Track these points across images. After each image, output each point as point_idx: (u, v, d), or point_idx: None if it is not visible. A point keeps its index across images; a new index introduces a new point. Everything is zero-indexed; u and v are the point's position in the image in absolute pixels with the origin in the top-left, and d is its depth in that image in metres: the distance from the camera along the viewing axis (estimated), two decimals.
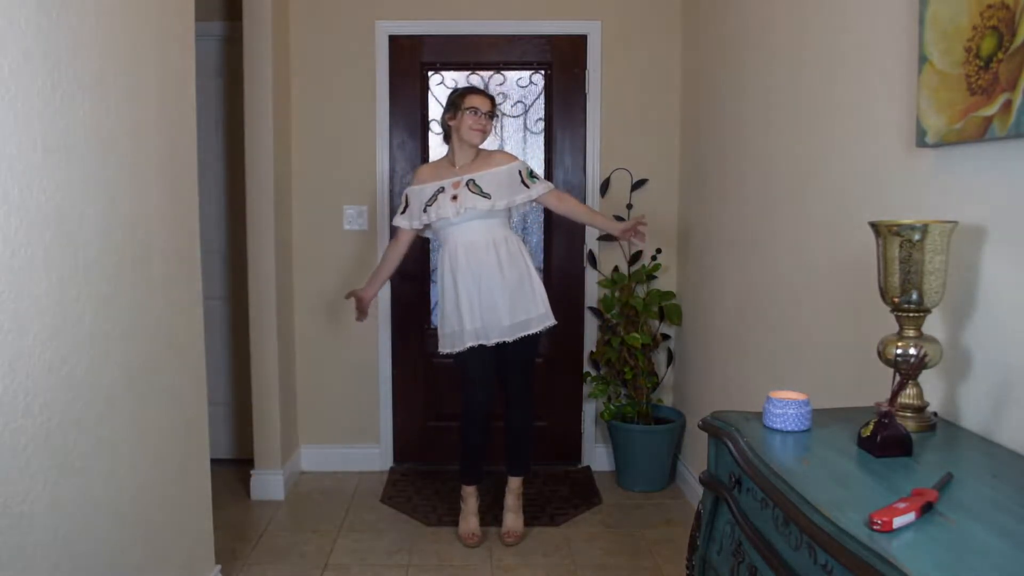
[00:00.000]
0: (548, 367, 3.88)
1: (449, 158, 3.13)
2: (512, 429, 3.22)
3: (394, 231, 3.23)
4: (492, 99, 3.10)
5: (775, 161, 2.62)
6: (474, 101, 3.04)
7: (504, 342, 3.02)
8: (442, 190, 3.03)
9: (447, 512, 3.40)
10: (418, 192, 3.10)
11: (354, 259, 3.81)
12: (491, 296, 2.99)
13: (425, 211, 3.04)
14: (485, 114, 3.03)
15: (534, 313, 3.04)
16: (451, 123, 3.06)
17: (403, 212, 3.14)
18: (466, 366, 3.09)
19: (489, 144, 3.29)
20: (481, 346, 3.01)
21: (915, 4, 1.71)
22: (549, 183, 3.12)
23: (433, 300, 3.87)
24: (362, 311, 3.24)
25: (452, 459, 3.66)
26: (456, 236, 3.02)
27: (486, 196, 2.99)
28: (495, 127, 3.40)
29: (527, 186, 3.06)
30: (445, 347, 3.09)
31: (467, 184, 3.01)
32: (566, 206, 3.14)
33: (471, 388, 3.12)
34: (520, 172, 3.07)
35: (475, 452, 3.21)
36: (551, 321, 3.07)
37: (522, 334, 3.03)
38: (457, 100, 3.05)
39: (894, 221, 1.51)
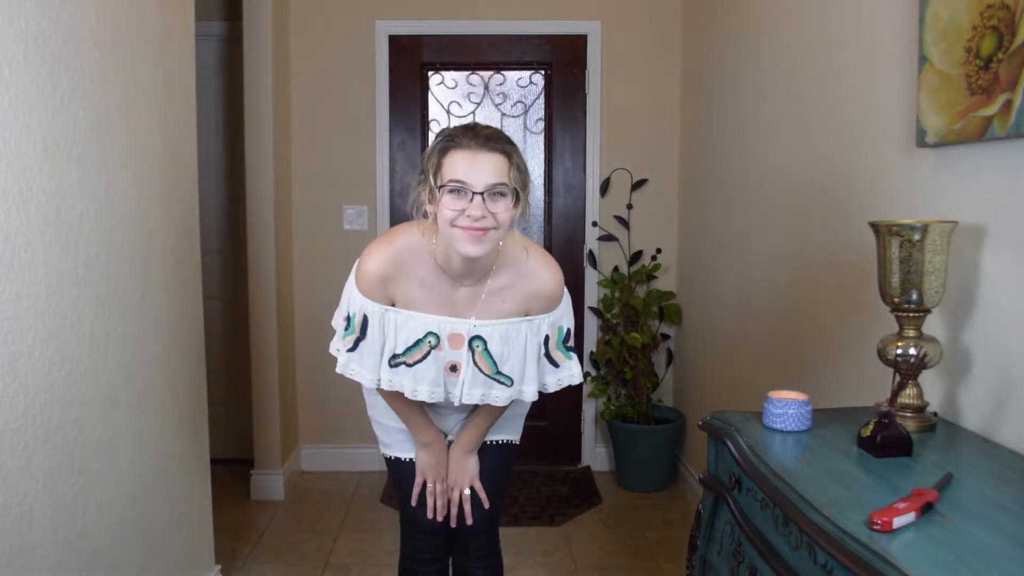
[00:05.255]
0: None
1: (440, 257, 1.63)
2: None
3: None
4: (509, 153, 1.54)
5: (775, 161, 2.62)
6: (457, 167, 1.51)
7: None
8: (435, 342, 1.66)
9: None
10: (389, 320, 1.66)
11: (354, 259, 3.80)
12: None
13: (394, 364, 1.67)
14: (483, 195, 1.50)
15: (516, 410, 1.91)
16: (429, 206, 1.59)
17: (354, 347, 1.69)
18: (405, 479, 1.90)
19: None
20: None
21: (915, 4, 1.71)
22: (577, 369, 1.76)
23: None
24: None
25: None
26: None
27: (505, 382, 1.68)
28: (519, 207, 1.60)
29: (555, 363, 1.73)
30: (382, 444, 1.95)
31: (472, 346, 1.66)
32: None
33: (415, 509, 1.89)
34: (548, 338, 1.71)
35: None
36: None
37: (497, 438, 1.91)
38: (434, 159, 1.56)
39: (894, 221, 1.51)
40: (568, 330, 1.74)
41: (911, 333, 1.49)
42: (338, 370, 1.72)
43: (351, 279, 1.73)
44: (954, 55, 1.55)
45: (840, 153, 2.15)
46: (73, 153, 1.75)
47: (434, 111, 3.84)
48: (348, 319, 1.71)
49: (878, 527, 1.03)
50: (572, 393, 3.94)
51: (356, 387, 3.99)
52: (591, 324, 3.90)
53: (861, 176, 2.02)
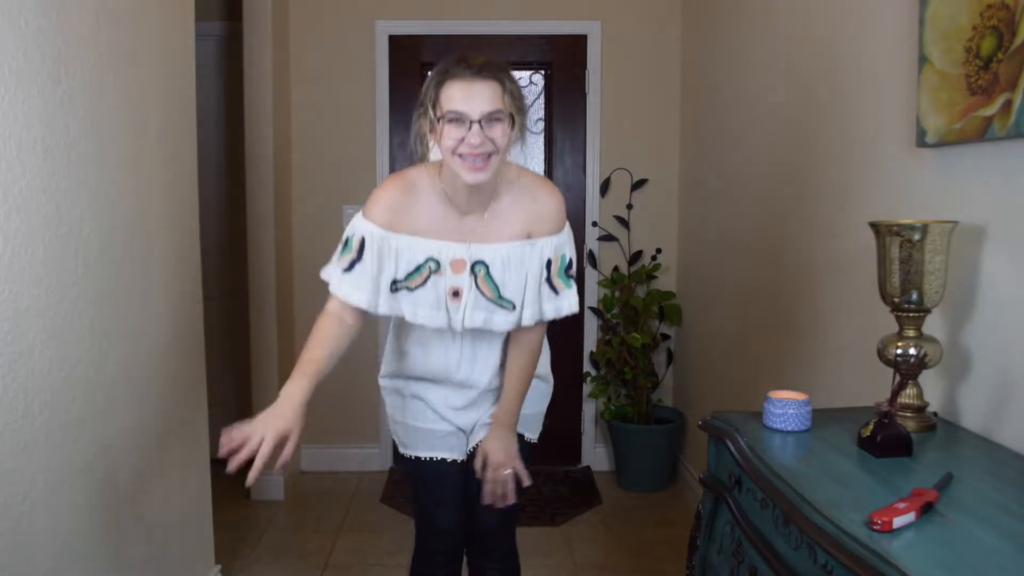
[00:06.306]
0: None
1: (443, 185, 1.68)
2: None
3: (335, 302, 1.69)
4: (502, 80, 1.57)
5: (775, 160, 2.62)
6: (454, 98, 1.54)
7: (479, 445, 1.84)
8: (435, 267, 1.67)
9: None
10: (390, 246, 1.66)
11: None
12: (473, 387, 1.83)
13: (395, 289, 1.67)
14: (480, 123, 1.53)
15: (535, 408, 1.95)
16: (431, 136, 1.62)
17: (349, 267, 1.67)
18: (425, 480, 1.89)
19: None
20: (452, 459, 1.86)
21: (915, 4, 1.71)
22: (575, 298, 1.75)
23: None
24: (277, 459, 1.53)
25: None
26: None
27: (506, 306, 1.69)
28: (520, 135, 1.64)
29: (554, 289, 1.72)
30: (402, 444, 1.90)
31: (475, 270, 1.67)
32: (527, 344, 1.79)
33: (435, 510, 1.90)
34: (550, 263, 1.71)
35: None
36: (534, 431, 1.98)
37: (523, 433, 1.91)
38: (431, 92, 1.59)
39: (894, 221, 1.51)
40: (571, 259, 1.74)
41: (911, 333, 1.49)
42: (331, 290, 1.69)
43: (356, 214, 1.74)
44: (954, 55, 1.55)
45: (840, 153, 2.15)
46: (73, 153, 1.75)
47: None
48: (346, 241, 1.70)
49: (878, 527, 1.03)
50: (572, 393, 3.95)
51: (356, 387, 3.99)
52: (591, 324, 3.90)
53: (861, 176, 2.02)
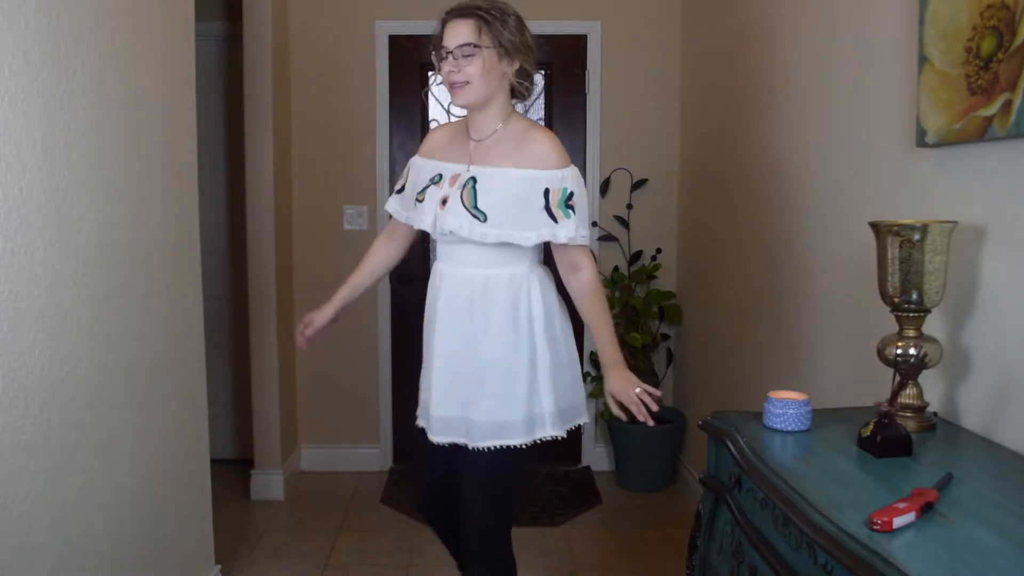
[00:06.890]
0: None
1: (468, 122, 2.01)
2: None
3: (390, 219, 2.13)
4: (479, 14, 1.88)
5: (775, 161, 2.62)
6: (443, 36, 1.91)
7: (455, 444, 1.94)
8: (438, 179, 1.93)
9: None
10: (418, 170, 2.02)
11: (354, 259, 3.79)
12: (457, 367, 1.92)
13: (416, 203, 1.97)
14: (457, 51, 1.85)
15: (514, 415, 1.92)
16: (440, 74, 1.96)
17: (400, 190, 2.06)
18: (421, 448, 2.06)
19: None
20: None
21: (915, 4, 1.71)
22: (586, 233, 1.91)
23: None
24: (305, 336, 2.18)
25: None
26: (445, 254, 1.95)
27: (479, 216, 1.83)
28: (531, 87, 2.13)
29: (553, 218, 1.84)
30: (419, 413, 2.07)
31: (466, 183, 1.87)
32: (582, 288, 1.95)
33: (424, 457, 2.09)
34: (548, 192, 1.84)
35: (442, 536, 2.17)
36: (542, 433, 1.99)
37: (485, 443, 1.90)
38: (436, 35, 1.96)
39: (894, 221, 1.51)
40: (572, 192, 1.87)
41: (911, 333, 1.49)
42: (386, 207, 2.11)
43: None
44: (954, 55, 1.55)
45: (840, 153, 2.15)
46: (73, 153, 1.75)
47: (434, 111, 3.84)
48: (401, 176, 2.11)
49: (878, 527, 1.03)
50: None
51: (356, 387, 3.99)
52: None
53: (861, 176, 2.02)
